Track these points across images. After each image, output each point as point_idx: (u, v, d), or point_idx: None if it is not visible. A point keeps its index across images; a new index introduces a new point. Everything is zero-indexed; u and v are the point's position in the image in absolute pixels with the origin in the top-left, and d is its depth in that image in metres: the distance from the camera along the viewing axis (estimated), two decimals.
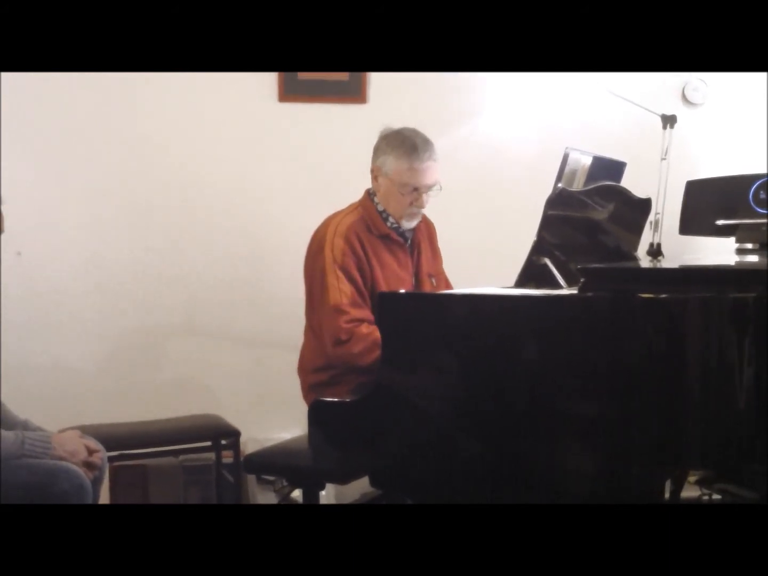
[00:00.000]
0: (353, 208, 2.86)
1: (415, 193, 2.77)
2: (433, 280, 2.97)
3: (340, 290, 2.65)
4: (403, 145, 2.76)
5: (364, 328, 2.62)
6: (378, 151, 2.82)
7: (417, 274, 2.93)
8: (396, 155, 2.76)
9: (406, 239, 2.89)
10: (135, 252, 3.62)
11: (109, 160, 3.57)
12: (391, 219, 2.84)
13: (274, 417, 3.60)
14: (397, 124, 2.84)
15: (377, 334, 2.49)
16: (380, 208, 2.84)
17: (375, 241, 2.80)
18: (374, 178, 2.84)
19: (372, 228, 2.80)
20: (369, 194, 2.87)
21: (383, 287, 2.73)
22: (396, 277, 2.80)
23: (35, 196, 3.52)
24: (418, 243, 2.94)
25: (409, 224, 2.85)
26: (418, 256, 2.94)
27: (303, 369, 2.88)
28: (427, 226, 2.99)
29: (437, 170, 2.80)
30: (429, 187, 2.79)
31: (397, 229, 2.85)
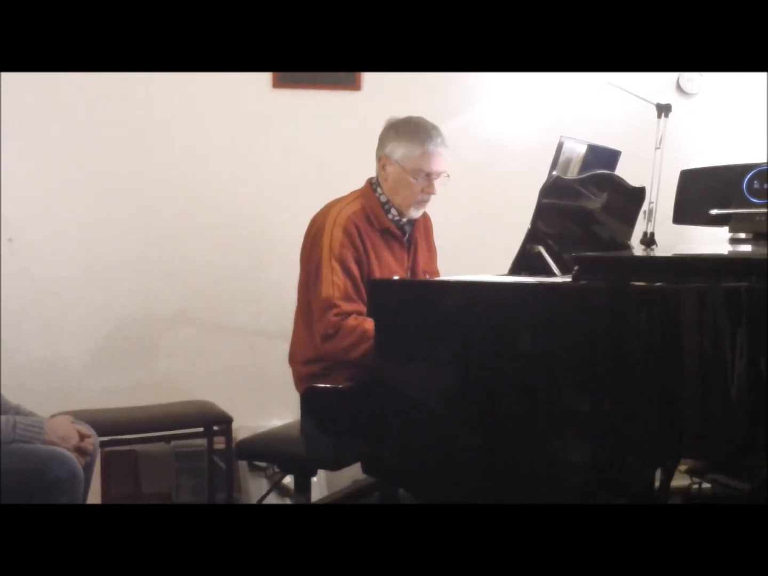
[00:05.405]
0: (354, 197, 2.80)
1: (427, 179, 2.74)
2: (427, 276, 2.94)
3: (333, 283, 2.61)
4: (416, 130, 2.73)
5: (351, 321, 2.56)
6: (386, 139, 2.77)
7: (412, 270, 2.89)
8: (408, 141, 2.72)
9: (404, 233, 2.85)
10: (131, 243, 3.60)
11: (106, 153, 3.55)
12: (393, 211, 2.79)
13: (267, 404, 3.60)
14: (394, 113, 2.82)
15: (366, 325, 2.48)
16: (383, 199, 2.78)
17: (374, 234, 2.75)
18: (382, 167, 2.78)
19: (373, 220, 2.76)
20: (371, 184, 2.82)
21: None
22: (391, 272, 2.76)
23: (33, 189, 3.50)
24: (415, 239, 2.90)
25: (416, 213, 2.80)
26: (415, 252, 2.90)
27: (294, 360, 2.83)
28: (425, 221, 2.95)
29: (447, 157, 2.77)
30: (439, 174, 2.76)
31: (398, 223, 2.80)
